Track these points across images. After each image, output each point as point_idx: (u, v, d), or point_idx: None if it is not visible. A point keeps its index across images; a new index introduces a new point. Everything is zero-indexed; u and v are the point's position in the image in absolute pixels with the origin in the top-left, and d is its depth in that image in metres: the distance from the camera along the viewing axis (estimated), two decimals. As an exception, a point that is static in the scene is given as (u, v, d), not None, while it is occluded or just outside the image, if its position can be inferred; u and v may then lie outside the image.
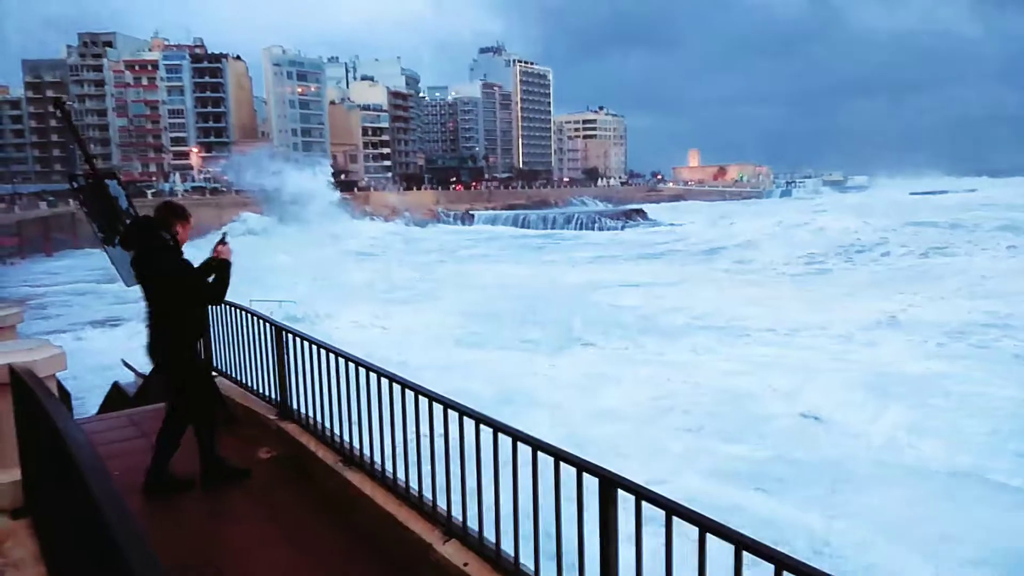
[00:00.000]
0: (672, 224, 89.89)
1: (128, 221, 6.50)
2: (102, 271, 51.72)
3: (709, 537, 2.55)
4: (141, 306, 5.59)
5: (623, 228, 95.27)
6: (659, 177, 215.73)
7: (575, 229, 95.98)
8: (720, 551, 2.51)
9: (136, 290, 5.65)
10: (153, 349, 5.49)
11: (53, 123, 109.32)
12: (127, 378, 14.38)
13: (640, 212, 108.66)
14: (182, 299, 5.45)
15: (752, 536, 2.43)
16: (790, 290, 36.40)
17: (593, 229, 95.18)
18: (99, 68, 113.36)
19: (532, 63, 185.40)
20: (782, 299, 32.16)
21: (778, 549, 2.33)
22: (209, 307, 7.53)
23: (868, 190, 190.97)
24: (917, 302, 29.65)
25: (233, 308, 7.00)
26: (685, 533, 2.66)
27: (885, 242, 54.30)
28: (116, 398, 12.49)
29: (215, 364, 7.63)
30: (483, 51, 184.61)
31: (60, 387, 6.82)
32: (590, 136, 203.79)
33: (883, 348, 21.88)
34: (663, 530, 2.71)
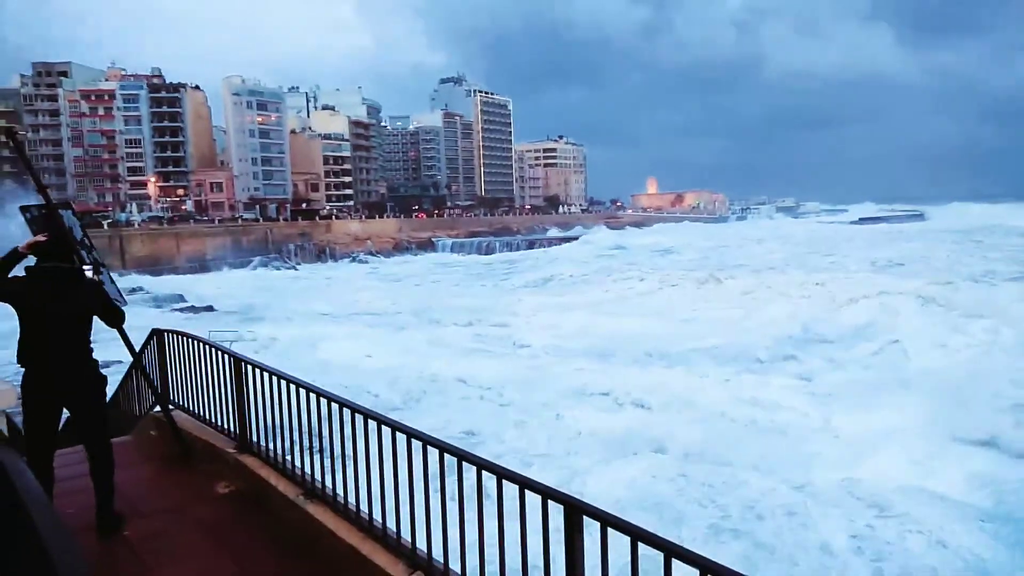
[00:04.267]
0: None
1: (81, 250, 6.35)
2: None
3: (675, 563, 2.55)
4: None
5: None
6: (619, 204, 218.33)
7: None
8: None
9: None
10: (76, 375, 5.23)
11: (5, 153, 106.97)
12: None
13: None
14: (88, 323, 5.34)
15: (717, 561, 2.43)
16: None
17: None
18: (54, 98, 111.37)
19: (492, 93, 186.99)
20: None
21: (745, 575, 2.33)
22: (166, 340, 7.41)
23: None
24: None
25: (190, 340, 6.87)
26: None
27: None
28: (70, 433, 12.10)
29: (171, 397, 7.48)
30: (443, 81, 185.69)
31: (10, 422, 6.60)
32: (551, 164, 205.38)
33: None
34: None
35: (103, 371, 5.51)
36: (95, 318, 5.40)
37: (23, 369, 5.17)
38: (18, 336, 5.11)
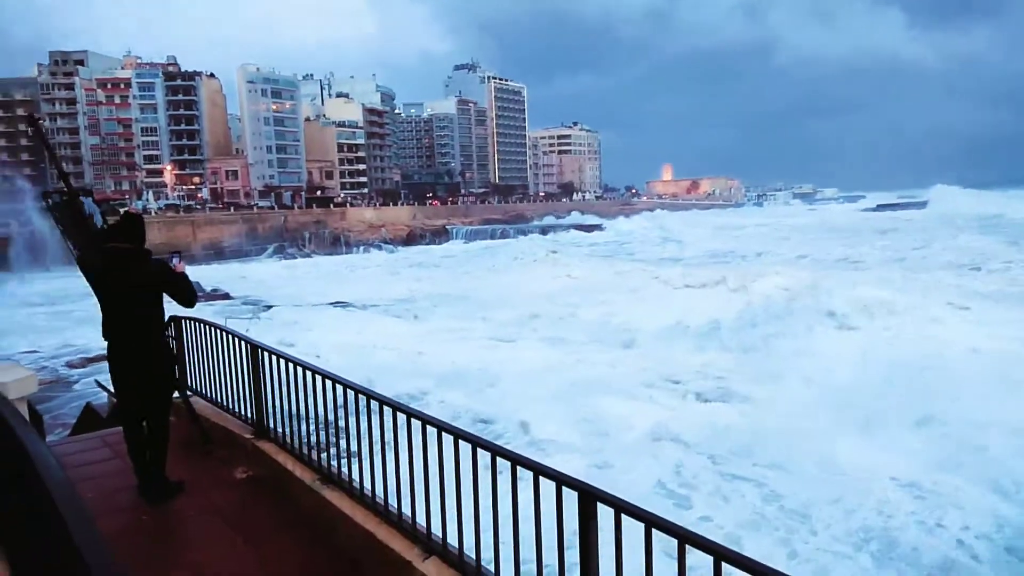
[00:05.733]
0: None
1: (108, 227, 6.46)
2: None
3: (688, 549, 2.56)
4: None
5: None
6: (633, 191, 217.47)
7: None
8: (699, 563, 2.52)
9: None
10: (152, 352, 5.68)
11: (24, 141, 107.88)
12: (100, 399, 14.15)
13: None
14: (156, 301, 5.73)
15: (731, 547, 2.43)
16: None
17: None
18: (71, 87, 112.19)
19: (506, 80, 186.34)
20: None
21: (759, 561, 2.34)
22: (183, 327, 7.47)
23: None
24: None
25: (207, 326, 6.93)
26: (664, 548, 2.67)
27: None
28: (89, 419, 12.28)
29: (189, 384, 7.55)
30: (458, 68, 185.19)
31: (32, 409, 6.70)
32: (565, 151, 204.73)
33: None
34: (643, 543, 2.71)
35: None
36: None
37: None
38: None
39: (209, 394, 7.24)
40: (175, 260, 6.15)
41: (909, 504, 11.88)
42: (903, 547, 10.62)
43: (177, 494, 5.82)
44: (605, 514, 2.93)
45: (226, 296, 50.36)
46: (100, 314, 5.59)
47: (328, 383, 4.95)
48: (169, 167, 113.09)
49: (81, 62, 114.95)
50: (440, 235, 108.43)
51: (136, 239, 5.60)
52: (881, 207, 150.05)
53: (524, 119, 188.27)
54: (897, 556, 10.42)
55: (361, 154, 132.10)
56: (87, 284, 5.65)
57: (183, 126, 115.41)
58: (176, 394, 7.39)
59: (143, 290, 5.57)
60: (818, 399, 16.92)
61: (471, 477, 3.74)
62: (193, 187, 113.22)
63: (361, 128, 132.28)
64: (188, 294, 5.82)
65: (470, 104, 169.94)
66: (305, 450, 5.65)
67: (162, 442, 5.84)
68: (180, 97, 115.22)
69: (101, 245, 5.65)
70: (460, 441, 3.80)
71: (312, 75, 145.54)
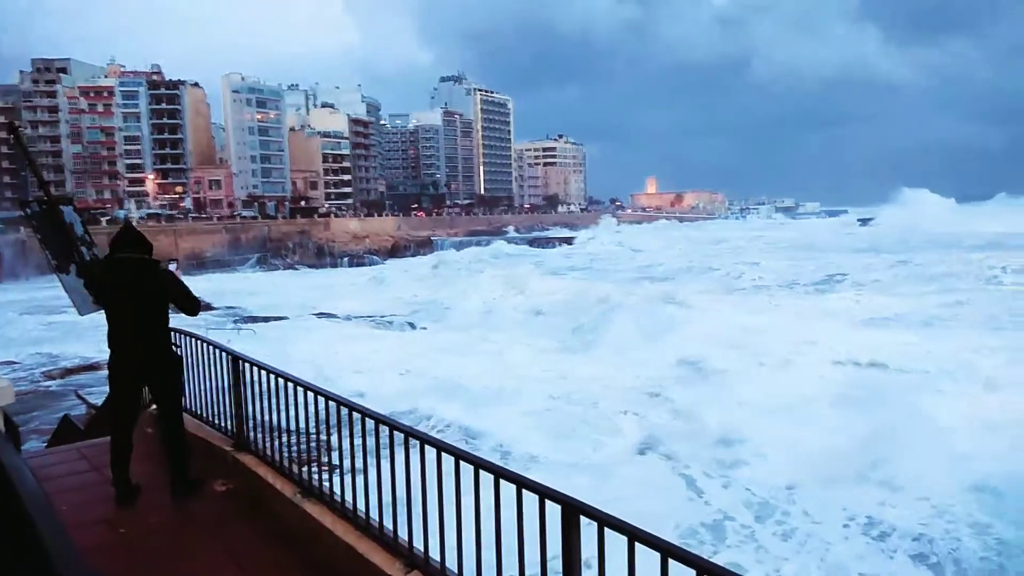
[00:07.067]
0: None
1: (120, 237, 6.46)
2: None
3: (671, 563, 2.55)
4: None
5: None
6: (618, 204, 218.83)
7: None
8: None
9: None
10: (155, 357, 5.72)
11: (5, 149, 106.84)
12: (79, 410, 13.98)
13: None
14: (164, 309, 5.83)
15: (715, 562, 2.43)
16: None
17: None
18: (53, 94, 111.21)
19: (492, 92, 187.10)
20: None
21: (743, 575, 2.34)
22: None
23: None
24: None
25: (187, 337, 6.87)
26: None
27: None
28: (67, 431, 12.12)
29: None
30: (444, 80, 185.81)
31: (7, 420, 6.60)
32: (550, 163, 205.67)
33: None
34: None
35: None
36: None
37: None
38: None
39: (188, 405, 7.16)
40: (171, 266, 6.18)
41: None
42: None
43: (200, 488, 5.98)
44: (589, 528, 2.92)
45: (208, 307, 49.97)
46: (79, 324, 5.58)
47: (309, 395, 4.92)
48: (152, 176, 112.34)
49: (64, 70, 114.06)
50: (425, 246, 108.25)
51: (146, 249, 5.74)
52: (862, 221, 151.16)
53: (510, 131, 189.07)
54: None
55: (346, 164, 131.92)
56: (64, 294, 5.61)
57: (166, 135, 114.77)
58: (154, 405, 7.32)
59: (154, 298, 5.67)
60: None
61: (454, 490, 3.72)
62: (176, 196, 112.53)
63: (346, 138, 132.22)
64: (193, 304, 5.93)
65: (456, 116, 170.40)
66: (286, 463, 5.60)
67: (179, 442, 5.97)
68: (164, 106, 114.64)
69: (111, 255, 5.68)
70: (443, 454, 3.78)
71: (297, 85, 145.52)
